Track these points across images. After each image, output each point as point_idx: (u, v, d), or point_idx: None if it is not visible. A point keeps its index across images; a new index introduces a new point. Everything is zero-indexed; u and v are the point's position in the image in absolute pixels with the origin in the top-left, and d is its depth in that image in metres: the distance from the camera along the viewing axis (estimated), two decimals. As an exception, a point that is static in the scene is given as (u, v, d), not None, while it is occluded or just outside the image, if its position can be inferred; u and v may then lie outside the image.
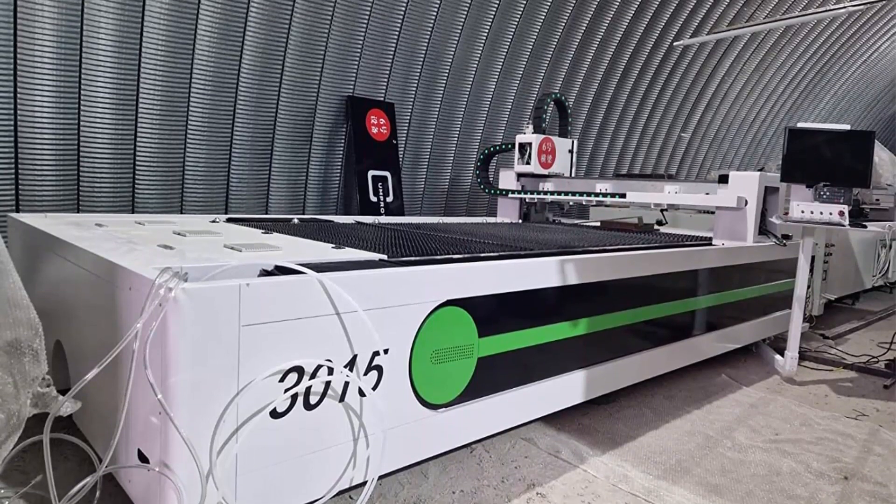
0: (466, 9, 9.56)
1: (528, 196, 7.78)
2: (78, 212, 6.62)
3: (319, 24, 8.11)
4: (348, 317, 2.89)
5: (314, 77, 8.31)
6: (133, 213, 7.04)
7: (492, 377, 3.66)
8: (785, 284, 6.49)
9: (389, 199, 9.02)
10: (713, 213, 6.30)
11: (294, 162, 8.44)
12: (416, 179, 10.12)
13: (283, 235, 4.46)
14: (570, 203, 7.88)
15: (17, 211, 6.26)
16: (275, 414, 2.68)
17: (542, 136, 7.62)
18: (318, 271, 2.81)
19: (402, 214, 9.09)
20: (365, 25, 8.57)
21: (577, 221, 8.13)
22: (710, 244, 5.76)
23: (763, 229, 6.05)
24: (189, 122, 7.35)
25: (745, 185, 5.94)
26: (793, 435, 4.59)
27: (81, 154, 6.64)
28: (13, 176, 6.24)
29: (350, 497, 3.34)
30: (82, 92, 6.50)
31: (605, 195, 6.96)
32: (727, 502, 3.57)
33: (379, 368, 3.06)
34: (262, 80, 7.82)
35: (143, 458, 2.63)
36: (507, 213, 8.10)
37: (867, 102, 22.04)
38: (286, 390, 2.69)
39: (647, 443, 4.33)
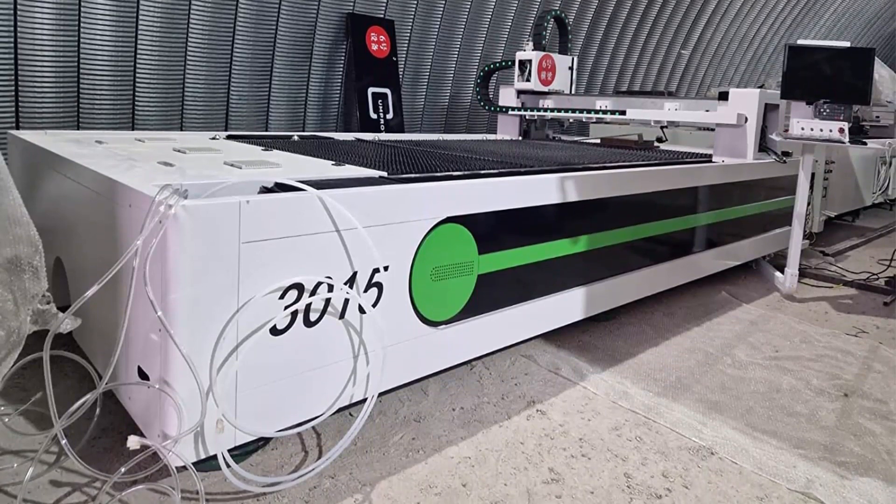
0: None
1: (528, 113, 7.69)
2: (78, 129, 6.57)
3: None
4: (348, 234, 2.86)
5: (314, -7, 8.16)
6: (133, 129, 6.99)
7: (492, 294, 3.65)
8: (785, 202, 6.46)
9: (389, 116, 8.93)
10: (713, 130, 6.24)
11: (294, 79, 8.34)
12: (416, 96, 10.00)
13: (283, 152, 4.41)
14: (570, 120, 7.80)
15: (18, 128, 6.20)
16: (275, 331, 2.68)
17: (542, 54, 7.50)
18: (317, 188, 2.78)
19: (402, 131, 9.01)
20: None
21: (576, 138, 8.06)
22: (710, 161, 5.71)
23: (763, 146, 5.99)
24: (189, 38, 7.22)
25: (745, 102, 5.85)
26: (793, 352, 4.62)
27: (81, 71, 6.54)
28: (13, 93, 6.16)
29: (350, 414, 3.37)
30: (82, 7, 6.37)
31: (604, 112, 6.87)
32: (727, 419, 3.60)
33: (379, 285, 3.06)
34: (262, -4, 7.69)
35: (143, 376, 2.64)
36: (507, 130, 8.02)
37: (867, 19, 21.64)
38: (286, 307, 2.68)
39: (647, 360, 4.36)
